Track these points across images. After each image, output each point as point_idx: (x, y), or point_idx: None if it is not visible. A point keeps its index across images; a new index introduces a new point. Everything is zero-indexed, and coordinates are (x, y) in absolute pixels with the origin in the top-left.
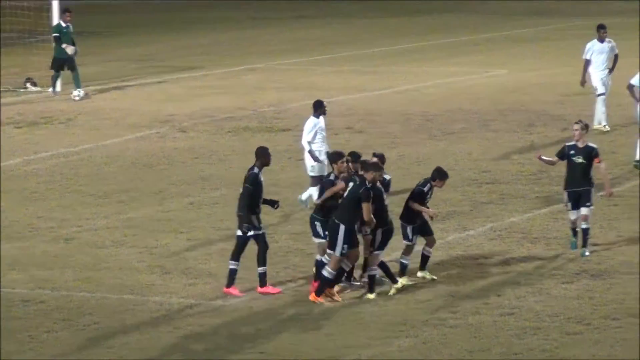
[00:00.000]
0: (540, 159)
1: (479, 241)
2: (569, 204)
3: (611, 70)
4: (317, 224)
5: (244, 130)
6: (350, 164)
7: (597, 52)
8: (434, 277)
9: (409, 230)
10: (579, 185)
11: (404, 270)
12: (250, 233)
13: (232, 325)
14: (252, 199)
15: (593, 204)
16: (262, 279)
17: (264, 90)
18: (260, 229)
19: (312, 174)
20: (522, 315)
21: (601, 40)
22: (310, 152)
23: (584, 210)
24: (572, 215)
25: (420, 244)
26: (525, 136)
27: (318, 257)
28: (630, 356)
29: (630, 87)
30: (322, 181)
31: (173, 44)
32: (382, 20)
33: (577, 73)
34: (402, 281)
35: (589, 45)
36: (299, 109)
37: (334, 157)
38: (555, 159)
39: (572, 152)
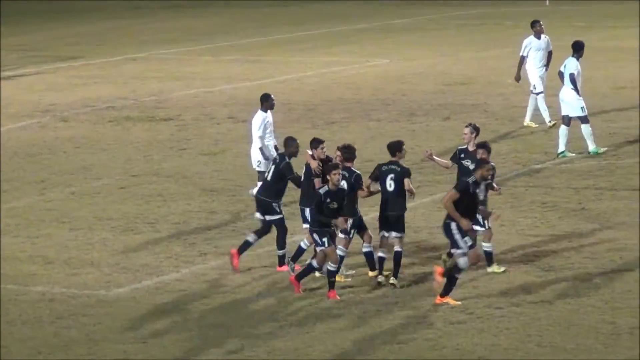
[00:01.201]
0: (430, 158)
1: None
2: None
3: (547, 66)
4: (306, 209)
5: (125, 120)
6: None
7: (534, 49)
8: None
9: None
10: None
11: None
12: (273, 217)
13: (115, 315)
14: (283, 186)
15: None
16: (281, 260)
17: (145, 79)
18: (281, 213)
19: (258, 169)
20: (406, 305)
21: (538, 36)
22: (262, 149)
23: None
24: None
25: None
26: (407, 125)
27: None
28: (513, 345)
29: (561, 75)
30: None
31: (50, 34)
32: (256, 10)
33: (456, 63)
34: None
35: (526, 41)
36: (180, 98)
37: (314, 143)
38: (450, 163)
39: (462, 155)
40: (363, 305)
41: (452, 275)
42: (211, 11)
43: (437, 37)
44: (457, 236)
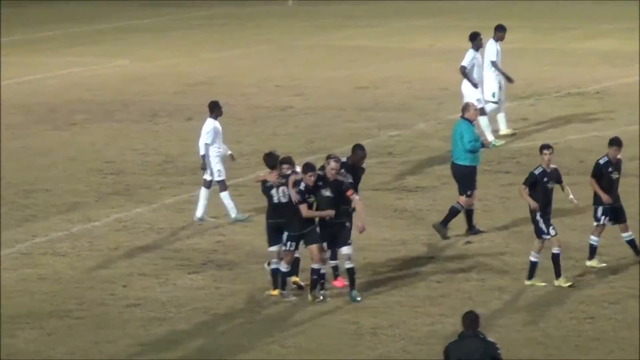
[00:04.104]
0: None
1: (104, 232)
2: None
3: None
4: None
5: None
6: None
7: (500, 54)
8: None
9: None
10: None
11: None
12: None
13: None
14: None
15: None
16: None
17: None
18: None
19: (219, 178)
20: (148, 306)
21: (499, 41)
22: (204, 157)
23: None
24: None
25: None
26: (149, 126)
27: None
28: (256, 346)
29: (463, 69)
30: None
31: None
32: None
33: (198, 63)
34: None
35: (497, 47)
36: None
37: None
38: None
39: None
40: (105, 306)
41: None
42: None
43: (179, 38)
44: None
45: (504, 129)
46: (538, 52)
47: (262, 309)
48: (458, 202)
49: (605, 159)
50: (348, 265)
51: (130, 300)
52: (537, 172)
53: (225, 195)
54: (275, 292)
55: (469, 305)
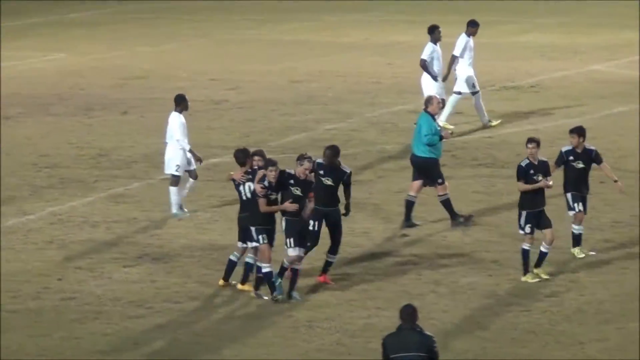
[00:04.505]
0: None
1: (39, 225)
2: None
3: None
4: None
5: None
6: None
7: (469, 49)
8: None
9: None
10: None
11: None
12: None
13: None
14: None
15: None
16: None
17: None
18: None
19: (177, 173)
20: (83, 300)
21: (471, 37)
22: (190, 151)
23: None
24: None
25: None
26: (84, 120)
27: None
28: (193, 339)
29: (423, 62)
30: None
31: None
32: None
33: (133, 57)
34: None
35: (462, 42)
36: None
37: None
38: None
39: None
40: (40, 300)
41: None
42: None
43: (114, 31)
44: None
45: (484, 119)
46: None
47: (197, 302)
48: (409, 194)
49: (568, 147)
50: (298, 265)
51: (65, 294)
52: (523, 164)
53: (173, 191)
54: (245, 286)
55: (405, 299)
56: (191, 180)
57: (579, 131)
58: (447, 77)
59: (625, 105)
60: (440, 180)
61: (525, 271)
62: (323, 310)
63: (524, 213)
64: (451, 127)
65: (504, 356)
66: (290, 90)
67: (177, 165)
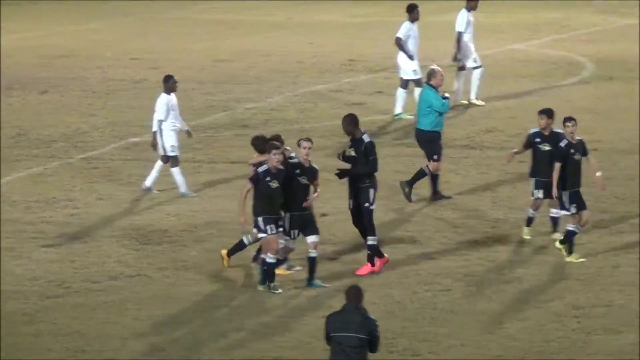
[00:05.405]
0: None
1: None
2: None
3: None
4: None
5: None
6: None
7: (470, 24)
8: None
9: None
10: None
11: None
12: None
13: None
14: None
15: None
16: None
17: None
18: None
19: (172, 154)
20: (2, 279)
21: (471, 11)
22: (156, 133)
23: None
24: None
25: None
26: (4, 99)
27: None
28: (111, 319)
29: (398, 41)
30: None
31: None
32: None
33: (55, 36)
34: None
35: (463, 17)
36: None
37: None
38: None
39: (538, 139)
40: None
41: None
42: None
43: (37, 10)
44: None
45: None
46: (394, 26)
47: (117, 282)
48: (427, 166)
49: (536, 129)
50: (313, 254)
51: None
52: (563, 144)
53: (176, 171)
54: (226, 257)
55: (327, 281)
56: (159, 161)
57: (548, 113)
58: (457, 55)
59: (547, 85)
60: (435, 157)
61: (570, 252)
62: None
63: (566, 193)
64: (482, 102)
65: (424, 335)
66: (212, 70)
67: (172, 145)
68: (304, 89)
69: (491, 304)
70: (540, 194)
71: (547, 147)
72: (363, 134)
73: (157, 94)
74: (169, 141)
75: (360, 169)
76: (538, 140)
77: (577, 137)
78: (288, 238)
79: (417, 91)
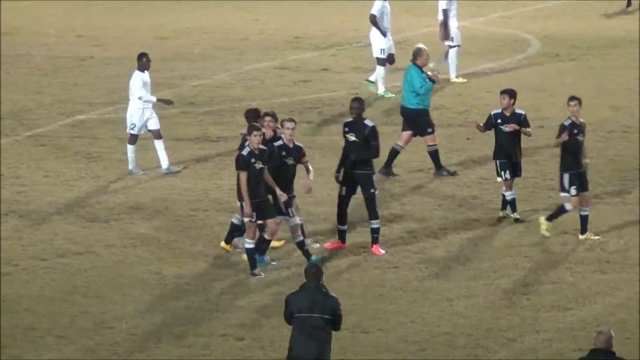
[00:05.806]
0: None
1: None
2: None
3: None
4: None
5: None
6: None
7: (454, 2)
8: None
9: None
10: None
11: None
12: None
13: None
14: None
15: None
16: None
17: None
18: None
19: (132, 132)
20: None
21: None
22: (160, 100)
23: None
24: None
25: None
26: None
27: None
28: (58, 296)
29: (373, 18)
30: None
31: None
32: None
33: (2, 12)
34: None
35: None
36: None
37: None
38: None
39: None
40: None
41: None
42: None
43: None
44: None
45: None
46: (340, 3)
47: (65, 259)
48: (397, 143)
49: (497, 110)
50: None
51: None
52: (566, 123)
53: (130, 149)
54: (227, 246)
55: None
56: (156, 141)
57: (510, 93)
58: (449, 34)
59: (493, 62)
60: (430, 130)
61: (583, 230)
62: (191, 269)
63: (566, 175)
64: (463, 79)
65: (373, 313)
66: (157, 47)
67: (133, 124)
68: (249, 66)
69: (440, 281)
70: (507, 174)
71: (507, 128)
72: (365, 118)
73: (102, 71)
74: (131, 119)
75: (363, 155)
76: (500, 121)
77: (581, 119)
78: (288, 217)
79: (378, 70)
